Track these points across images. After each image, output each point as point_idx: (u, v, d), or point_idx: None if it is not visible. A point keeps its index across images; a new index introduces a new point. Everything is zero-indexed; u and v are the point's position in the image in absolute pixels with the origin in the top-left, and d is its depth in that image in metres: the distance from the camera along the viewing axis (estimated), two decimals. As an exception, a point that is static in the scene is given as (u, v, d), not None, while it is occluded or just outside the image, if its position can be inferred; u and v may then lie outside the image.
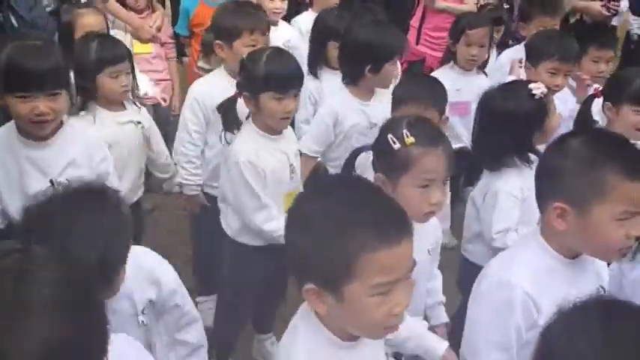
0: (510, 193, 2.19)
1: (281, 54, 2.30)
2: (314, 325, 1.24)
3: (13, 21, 3.10)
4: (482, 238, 2.29)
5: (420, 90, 2.39)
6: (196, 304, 2.86)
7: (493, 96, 2.30)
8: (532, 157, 2.19)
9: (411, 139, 1.69)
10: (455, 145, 3.03)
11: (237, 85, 2.31)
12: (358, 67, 2.65)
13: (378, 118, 2.44)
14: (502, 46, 3.88)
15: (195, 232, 3.01)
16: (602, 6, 4.17)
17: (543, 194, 1.52)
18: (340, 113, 2.70)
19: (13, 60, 1.89)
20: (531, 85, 2.24)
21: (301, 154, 2.60)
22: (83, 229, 1.37)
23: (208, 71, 3.46)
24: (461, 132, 3.22)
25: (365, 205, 1.19)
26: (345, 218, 1.15)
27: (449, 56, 3.38)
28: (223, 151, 2.46)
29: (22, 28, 3.12)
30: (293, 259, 1.22)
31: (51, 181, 2.02)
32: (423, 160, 1.69)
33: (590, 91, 2.86)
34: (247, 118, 2.35)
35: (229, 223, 2.41)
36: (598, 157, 1.43)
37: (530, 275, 1.49)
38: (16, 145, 2.05)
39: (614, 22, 4.31)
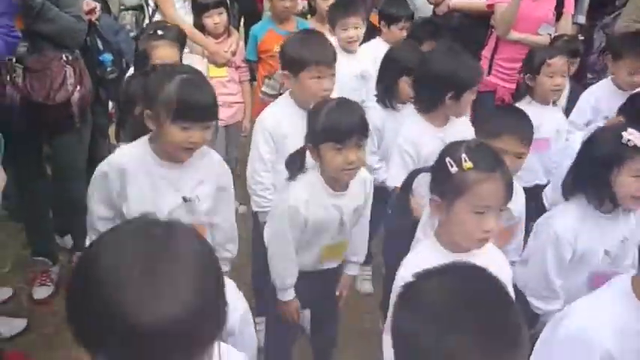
0: (559, 233, 2.14)
1: (343, 104, 2.26)
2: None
3: (100, 45, 3.29)
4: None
5: (517, 124, 2.38)
6: (256, 324, 2.97)
7: (595, 131, 2.29)
8: (607, 203, 2.10)
9: (469, 164, 1.69)
10: (532, 182, 3.08)
11: (305, 137, 2.32)
12: (439, 94, 2.66)
13: None
14: (578, 81, 3.78)
15: (256, 253, 3.07)
16: None
17: None
18: (418, 141, 2.71)
19: (181, 93, 2.00)
20: (629, 130, 2.12)
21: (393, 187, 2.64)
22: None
23: (272, 96, 3.59)
24: (537, 168, 3.14)
25: (476, 309, 1.07)
26: (449, 318, 1.06)
27: (524, 91, 3.26)
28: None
29: (107, 52, 3.30)
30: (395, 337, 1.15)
31: (183, 197, 2.17)
32: (480, 185, 1.68)
33: None
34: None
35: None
36: None
37: (614, 332, 1.42)
38: (152, 165, 2.14)
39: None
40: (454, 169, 1.70)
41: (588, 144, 2.24)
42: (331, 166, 2.19)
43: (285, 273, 2.38)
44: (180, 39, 3.05)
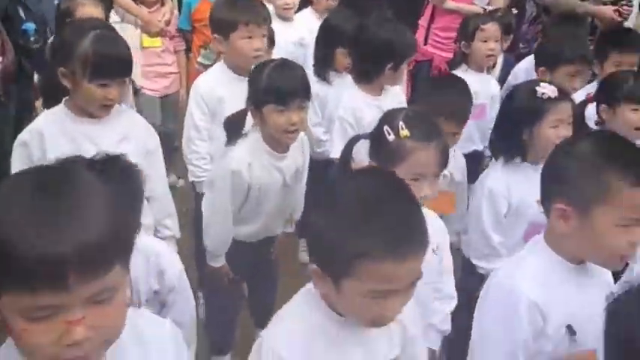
0: (491, 188, 2.22)
1: (285, 65, 2.27)
2: (316, 303, 1.26)
3: (22, 13, 3.13)
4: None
5: (456, 107, 2.39)
6: (198, 297, 2.94)
7: (512, 89, 2.38)
8: (521, 157, 2.20)
9: (405, 132, 1.72)
10: (469, 148, 3.13)
11: (246, 100, 2.30)
12: (378, 65, 2.68)
13: None
14: (510, 51, 3.88)
15: (198, 226, 3.03)
16: (614, 10, 4.15)
17: (547, 196, 1.51)
18: (358, 110, 2.72)
19: (97, 49, 1.97)
20: (541, 84, 2.23)
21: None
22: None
23: (208, 66, 3.50)
24: (474, 134, 3.21)
25: (385, 209, 1.18)
26: (361, 215, 1.16)
27: (460, 59, 3.34)
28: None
29: (30, 20, 3.14)
30: (309, 235, 1.29)
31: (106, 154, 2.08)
32: (415, 154, 1.71)
33: (583, 97, 2.84)
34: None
35: None
36: (602, 160, 1.41)
37: (536, 283, 1.47)
38: (70, 124, 2.09)
39: (626, 24, 4.28)
40: (391, 137, 1.73)
41: (507, 102, 2.34)
42: (273, 128, 2.18)
43: (220, 239, 2.37)
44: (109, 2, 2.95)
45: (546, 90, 2.18)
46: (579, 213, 1.41)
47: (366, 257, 1.13)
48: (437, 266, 1.97)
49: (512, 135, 2.21)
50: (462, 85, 2.60)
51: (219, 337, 2.68)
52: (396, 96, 2.83)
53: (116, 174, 1.48)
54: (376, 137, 1.80)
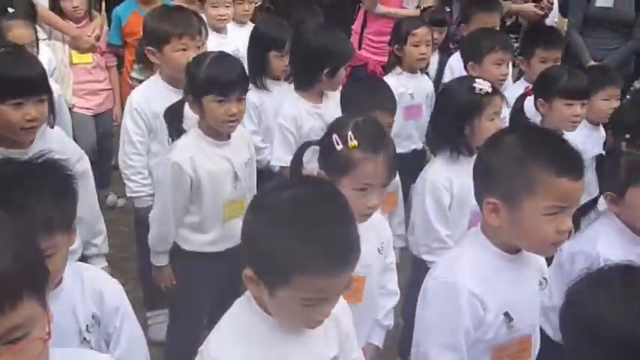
0: (434, 181, 2.28)
1: (224, 57, 2.30)
2: (250, 308, 1.30)
3: None
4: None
5: (384, 99, 2.44)
6: (147, 318, 2.86)
7: (446, 85, 2.47)
8: (464, 150, 2.27)
9: (354, 143, 1.71)
10: (409, 148, 3.23)
11: (184, 89, 2.30)
12: (314, 71, 2.69)
13: (334, 118, 2.48)
14: (444, 49, 3.98)
15: (140, 246, 2.95)
16: (535, 6, 4.32)
17: (479, 190, 1.56)
18: (298, 118, 2.73)
19: (3, 67, 1.90)
20: (477, 80, 2.32)
21: (280, 167, 2.66)
22: (29, 187, 1.38)
23: (141, 81, 3.44)
24: (413, 134, 3.29)
25: (327, 225, 1.22)
26: (302, 230, 1.19)
27: (393, 62, 3.40)
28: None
29: None
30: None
31: None
32: (363, 165, 1.71)
33: (522, 90, 2.96)
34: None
35: (179, 234, 2.38)
36: (527, 153, 1.47)
37: (474, 274, 1.51)
38: None
39: (547, 22, 4.47)
40: (340, 147, 1.72)
41: (444, 99, 2.41)
42: (213, 118, 2.20)
43: (160, 235, 2.35)
44: (31, 15, 2.88)
45: (483, 85, 2.27)
46: (508, 206, 1.47)
47: (305, 272, 1.17)
48: (382, 264, 2.00)
49: (453, 130, 2.27)
50: (381, 81, 2.73)
51: (181, 353, 2.60)
52: (336, 103, 2.79)
53: (52, 173, 1.47)
54: (325, 146, 1.79)
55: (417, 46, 3.28)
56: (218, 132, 2.26)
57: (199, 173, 2.24)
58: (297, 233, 1.17)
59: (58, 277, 1.46)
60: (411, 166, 2.89)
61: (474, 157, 2.21)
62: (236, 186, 2.34)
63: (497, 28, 3.71)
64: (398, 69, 3.35)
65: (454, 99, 2.33)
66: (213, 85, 2.17)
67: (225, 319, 1.35)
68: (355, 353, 1.50)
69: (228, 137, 2.31)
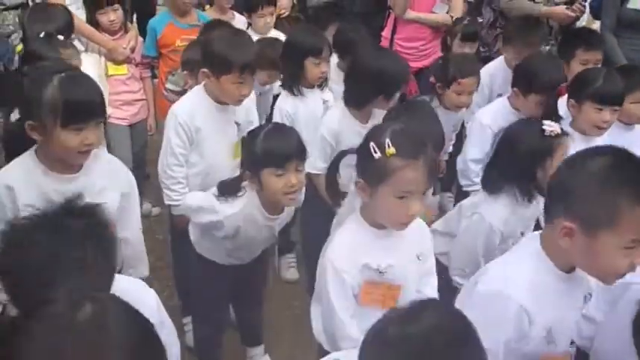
0: (492, 225, 2.26)
1: (280, 129, 2.28)
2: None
3: None
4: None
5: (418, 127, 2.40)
6: (183, 325, 2.91)
7: (511, 128, 2.38)
8: (534, 193, 2.24)
9: (391, 150, 1.70)
10: None
11: (241, 164, 2.32)
12: (371, 94, 2.70)
13: None
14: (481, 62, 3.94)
15: (176, 254, 3.00)
16: (566, 8, 4.27)
17: (553, 208, 1.50)
18: (340, 134, 2.74)
19: (65, 93, 1.86)
20: (545, 122, 2.27)
21: (309, 173, 2.65)
22: (67, 257, 1.33)
23: (176, 92, 3.49)
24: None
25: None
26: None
27: (433, 95, 3.22)
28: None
29: None
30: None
31: None
32: (402, 172, 1.70)
33: None
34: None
35: (196, 239, 2.46)
36: (612, 181, 1.39)
37: (529, 290, 1.49)
38: (42, 178, 1.97)
39: (579, 24, 4.42)
40: (377, 155, 1.71)
41: (510, 142, 2.31)
42: (272, 191, 2.16)
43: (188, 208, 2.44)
44: (69, 25, 2.92)
45: (553, 127, 2.23)
46: (586, 233, 1.41)
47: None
48: (420, 270, 1.99)
49: (524, 174, 2.23)
50: (430, 111, 2.68)
51: (208, 356, 2.68)
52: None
53: (96, 225, 1.43)
54: (363, 154, 1.78)
55: (459, 94, 3.14)
56: (276, 205, 2.24)
57: (240, 235, 2.31)
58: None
59: None
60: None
61: (536, 201, 2.26)
62: (270, 240, 2.48)
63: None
64: (436, 102, 3.20)
65: (525, 143, 2.25)
66: (271, 159, 2.13)
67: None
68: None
69: (283, 210, 2.29)
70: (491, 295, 1.53)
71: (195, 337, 2.71)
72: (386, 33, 4.16)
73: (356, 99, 2.76)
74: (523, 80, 2.95)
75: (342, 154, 1.93)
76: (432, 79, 3.25)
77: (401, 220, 1.72)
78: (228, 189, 2.27)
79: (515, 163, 2.24)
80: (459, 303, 1.63)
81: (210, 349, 2.66)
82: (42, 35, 2.71)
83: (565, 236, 1.44)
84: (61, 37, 2.74)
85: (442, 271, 2.30)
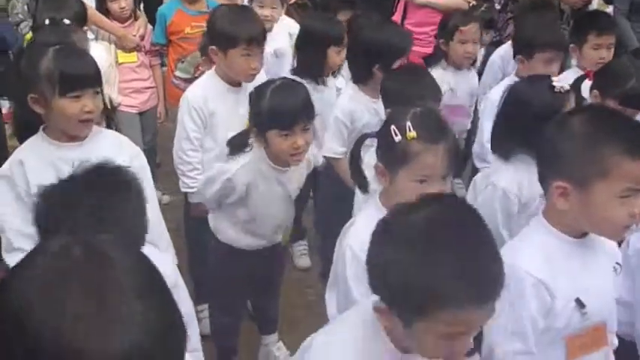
0: (506, 190, 2.20)
1: (286, 87, 2.22)
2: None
3: None
4: None
5: (413, 85, 2.40)
6: (197, 312, 2.91)
7: (517, 86, 2.34)
8: None
9: (412, 134, 1.68)
10: None
11: (249, 119, 2.30)
12: (367, 66, 2.69)
13: None
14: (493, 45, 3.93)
15: (191, 241, 3.00)
16: None
17: (545, 174, 1.53)
18: (354, 112, 2.72)
19: (60, 62, 1.94)
20: (554, 79, 2.24)
21: (327, 158, 2.70)
22: (111, 210, 1.38)
23: (185, 80, 3.48)
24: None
25: (467, 248, 1.13)
26: (439, 255, 1.10)
27: (439, 56, 3.33)
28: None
29: None
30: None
31: None
32: (423, 156, 1.67)
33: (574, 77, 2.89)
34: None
35: (215, 224, 2.44)
36: (598, 135, 1.43)
37: (538, 260, 1.49)
38: (48, 149, 2.03)
39: (590, 7, 4.37)
40: (398, 138, 1.69)
41: (517, 101, 2.27)
42: (278, 151, 2.16)
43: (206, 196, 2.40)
44: (82, 16, 2.94)
45: (562, 83, 2.20)
46: (579, 189, 1.43)
47: (446, 305, 1.08)
48: None
49: (535, 133, 2.16)
50: (421, 69, 2.71)
51: (225, 344, 2.67)
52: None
53: (127, 183, 1.47)
54: (383, 137, 1.77)
55: (463, 43, 3.20)
56: (283, 161, 2.23)
57: (252, 194, 2.26)
58: (437, 262, 1.08)
59: None
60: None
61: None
62: (284, 205, 2.37)
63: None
64: (443, 63, 3.28)
65: (535, 102, 2.20)
66: (277, 120, 2.12)
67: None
68: None
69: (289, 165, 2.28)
70: (506, 274, 1.52)
71: (213, 325, 2.71)
72: (396, 18, 4.12)
73: (356, 72, 2.76)
74: (523, 44, 2.99)
75: (363, 137, 1.91)
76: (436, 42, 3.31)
77: None
78: (235, 143, 2.28)
79: (526, 124, 2.17)
80: None
81: (228, 336, 2.66)
82: (47, 22, 2.73)
83: (560, 197, 1.46)
84: (67, 22, 2.75)
85: None
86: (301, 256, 3.51)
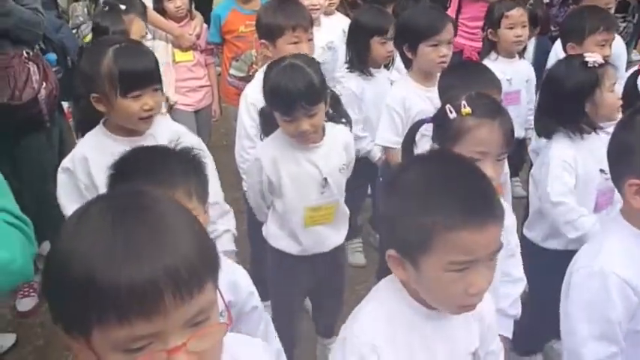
0: (561, 158, 2.21)
1: (294, 68, 2.13)
2: (397, 291, 1.25)
3: (41, 44, 3.09)
4: (542, 215, 2.30)
5: (487, 79, 2.35)
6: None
7: (552, 67, 2.39)
8: (586, 128, 2.23)
9: (467, 110, 1.69)
10: None
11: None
12: (400, 48, 2.72)
13: None
14: (544, 32, 3.83)
15: (253, 241, 3.00)
16: None
17: (617, 172, 1.50)
18: (407, 100, 2.70)
19: (120, 63, 1.97)
20: (586, 54, 2.26)
21: (384, 148, 2.71)
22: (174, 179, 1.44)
23: (240, 78, 3.51)
24: (513, 121, 3.17)
25: (456, 181, 1.19)
26: (432, 191, 1.16)
27: (488, 47, 3.31)
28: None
29: (50, 50, 3.13)
30: (382, 222, 1.34)
31: None
32: (476, 130, 1.68)
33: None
34: None
35: (269, 230, 2.41)
36: None
37: (621, 258, 1.44)
38: (111, 143, 2.05)
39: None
40: (453, 115, 1.70)
41: (554, 81, 2.31)
42: (286, 134, 2.18)
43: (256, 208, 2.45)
44: (144, 14, 3.06)
45: (595, 57, 2.23)
46: None
47: (442, 228, 1.11)
48: (504, 249, 1.91)
49: (574, 110, 2.22)
50: (478, 64, 2.71)
51: (285, 338, 2.65)
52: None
53: (185, 153, 1.53)
54: (439, 118, 1.77)
55: (511, 28, 3.17)
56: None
57: (280, 174, 2.22)
58: (429, 194, 1.15)
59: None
60: (511, 156, 2.79)
61: (594, 134, 2.23)
62: (323, 192, 2.28)
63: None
64: (493, 54, 3.25)
65: (569, 78, 2.24)
66: (277, 104, 2.13)
67: (369, 301, 1.31)
68: (494, 344, 1.44)
69: (318, 140, 2.25)
70: (586, 277, 1.47)
71: (273, 321, 2.69)
72: (450, 13, 4.05)
73: (401, 57, 2.77)
74: (573, 31, 3.00)
75: (419, 122, 1.89)
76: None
77: None
78: (265, 114, 2.28)
79: (563, 102, 2.23)
80: (564, 294, 1.56)
81: (287, 333, 2.63)
82: (105, 8, 2.88)
83: (636, 194, 1.42)
84: (122, 7, 2.88)
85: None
86: (355, 253, 3.49)
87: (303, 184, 2.24)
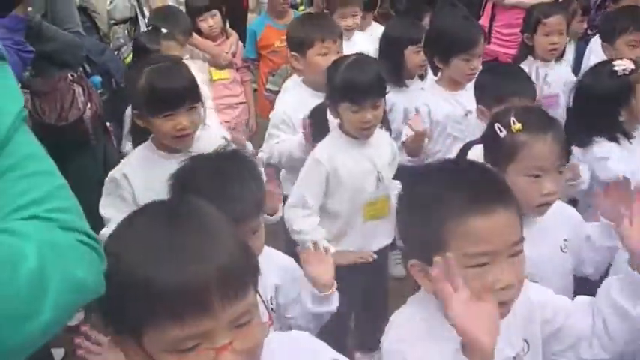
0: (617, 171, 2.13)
1: (360, 62, 2.24)
2: (427, 298, 1.20)
3: (86, 66, 3.20)
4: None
5: (519, 84, 2.33)
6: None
7: (582, 78, 2.37)
8: (620, 137, 2.20)
9: (517, 126, 1.63)
10: None
11: (325, 94, 2.34)
12: (431, 58, 2.75)
13: (473, 105, 2.43)
14: (581, 37, 3.78)
15: (288, 245, 3.01)
16: None
17: None
18: (431, 103, 2.71)
19: (151, 83, 2.00)
20: (614, 62, 2.22)
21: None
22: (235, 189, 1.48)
23: (276, 92, 3.54)
24: None
25: (463, 175, 1.22)
26: (440, 190, 1.18)
27: (525, 52, 3.27)
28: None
29: (95, 73, 3.23)
30: (401, 233, 1.33)
31: None
32: (531, 146, 1.62)
33: None
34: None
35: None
36: None
37: None
38: (157, 160, 2.10)
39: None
40: (503, 133, 1.65)
41: (585, 91, 2.29)
42: (348, 125, 2.23)
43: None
44: (188, 32, 3.19)
45: (624, 65, 2.19)
46: None
47: (452, 220, 1.11)
48: (566, 264, 1.79)
49: (608, 120, 2.19)
50: (515, 66, 2.68)
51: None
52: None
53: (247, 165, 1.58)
54: (488, 139, 1.73)
55: (547, 35, 3.12)
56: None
57: (339, 171, 2.25)
58: (441, 191, 1.17)
59: (260, 253, 1.54)
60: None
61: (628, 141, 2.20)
62: (379, 186, 2.32)
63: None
64: (530, 58, 3.20)
65: (599, 87, 2.21)
66: (347, 93, 2.16)
67: (402, 315, 1.27)
68: (559, 316, 1.35)
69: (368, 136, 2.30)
70: None
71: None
72: (484, 21, 4.05)
73: (430, 65, 2.81)
74: (605, 32, 3.01)
75: (468, 145, 1.89)
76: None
77: (535, 201, 1.60)
78: (317, 113, 2.33)
79: (597, 111, 2.19)
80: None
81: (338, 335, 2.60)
82: (150, 28, 2.98)
83: None
84: (164, 31, 2.94)
85: None
86: (396, 265, 3.46)
87: (360, 179, 2.29)
